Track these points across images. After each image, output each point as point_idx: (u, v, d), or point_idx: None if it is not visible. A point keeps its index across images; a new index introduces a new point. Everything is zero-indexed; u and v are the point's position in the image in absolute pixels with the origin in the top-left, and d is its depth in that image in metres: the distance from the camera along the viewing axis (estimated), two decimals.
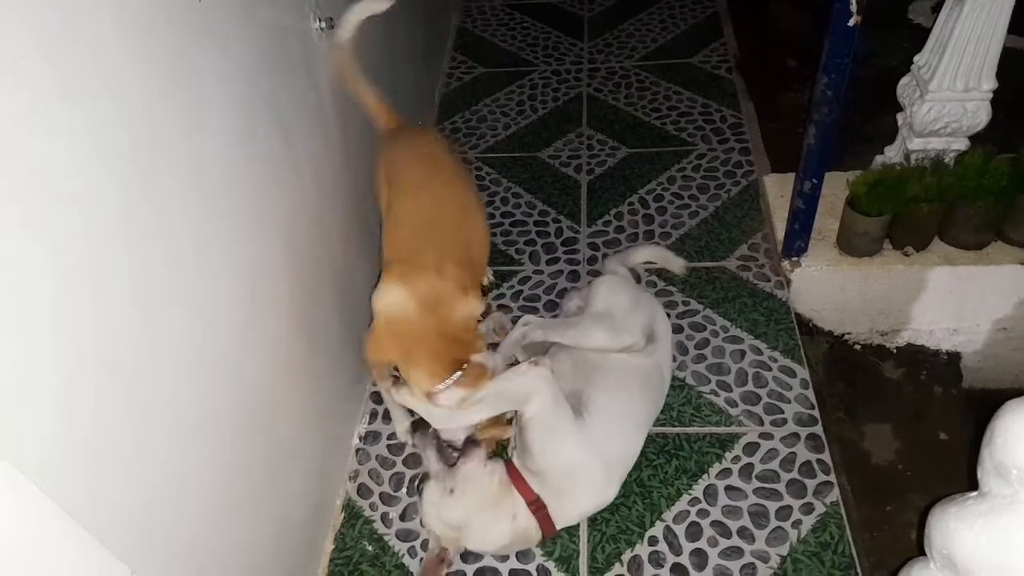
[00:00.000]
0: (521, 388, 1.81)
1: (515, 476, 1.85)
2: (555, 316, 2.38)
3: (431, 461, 1.89)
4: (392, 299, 1.81)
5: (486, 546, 1.87)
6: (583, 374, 1.96)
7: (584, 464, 1.83)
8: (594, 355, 2.00)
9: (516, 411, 1.87)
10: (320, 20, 1.91)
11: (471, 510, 1.82)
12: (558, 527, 1.86)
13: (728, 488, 1.99)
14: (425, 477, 1.90)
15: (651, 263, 2.56)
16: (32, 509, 0.94)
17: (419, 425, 1.96)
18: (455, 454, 1.88)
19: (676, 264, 2.50)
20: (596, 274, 2.56)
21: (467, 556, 1.91)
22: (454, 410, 1.83)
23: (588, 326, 2.02)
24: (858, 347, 2.52)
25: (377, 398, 2.28)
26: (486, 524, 1.82)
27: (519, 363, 1.91)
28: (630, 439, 1.94)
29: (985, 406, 1.35)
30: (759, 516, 1.93)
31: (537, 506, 1.82)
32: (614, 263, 2.41)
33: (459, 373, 1.81)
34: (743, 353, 2.30)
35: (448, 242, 1.89)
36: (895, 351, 2.52)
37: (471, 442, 1.89)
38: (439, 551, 1.86)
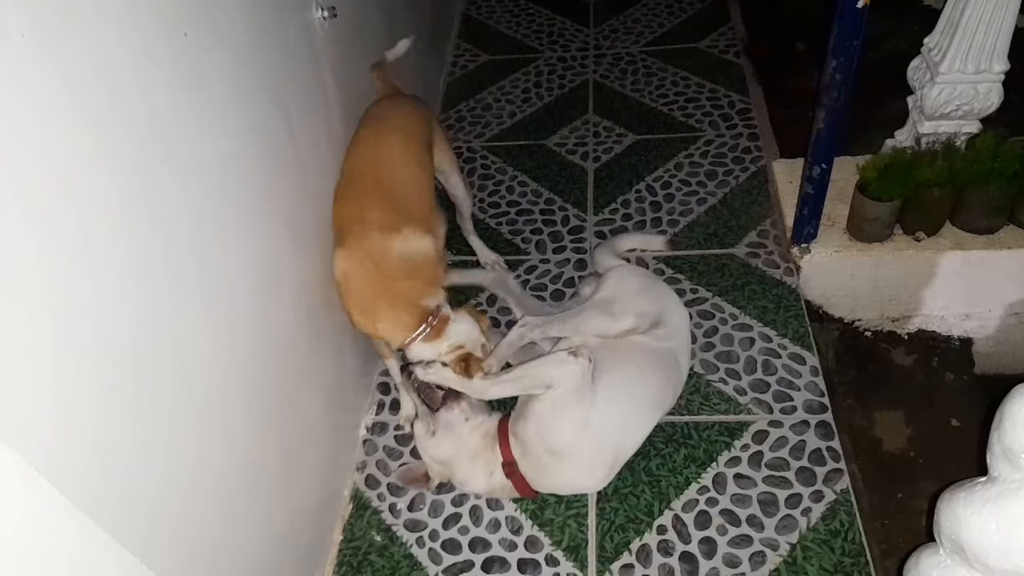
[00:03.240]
0: (555, 377, 1.81)
1: (503, 433, 1.91)
2: (572, 297, 2.42)
3: (415, 402, 1.99)
4: (336, 269, 1.85)
5: (467, 489, 1.98)
6: (596, 349, 1.94)
7: (574, 452, 1.84)
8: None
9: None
10: (322, 9, 1.90)
11: (449, 456, 1.93)
12: (539, 491, 1.92)
13: (737, 476, 1.98)
14: (418, 413, 2.02)
15: (637, 249, 2.55)
16: (43, 502, 0.94)
17: (406, 367, 1.99)
18: (441, 395, 1.93)
19: (657, 242, 2.51)
20: None
21: (475, 545, 1.91)
22: (428, 360, 1.87)
23: (586, 314, 2.02)
24: (869, 333, 2.50)
25: (385, 389, 2.28)
26: (465, 471, 1.93)
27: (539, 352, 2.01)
28: (632, 420, 1.93)
29: (997, 392, 1.34)
30: (768, 504, 1.92)
31: (511, 469, 1.88)
32: (605, 255, 2.38)
33: (425, 327, 1.83)
34: (752, 341, 2.28)
35: (372, 190, 1.89)
36: (906, 337, 2.50)
37: (452, 393, 1.92)
38: (425, 472, 1.98)
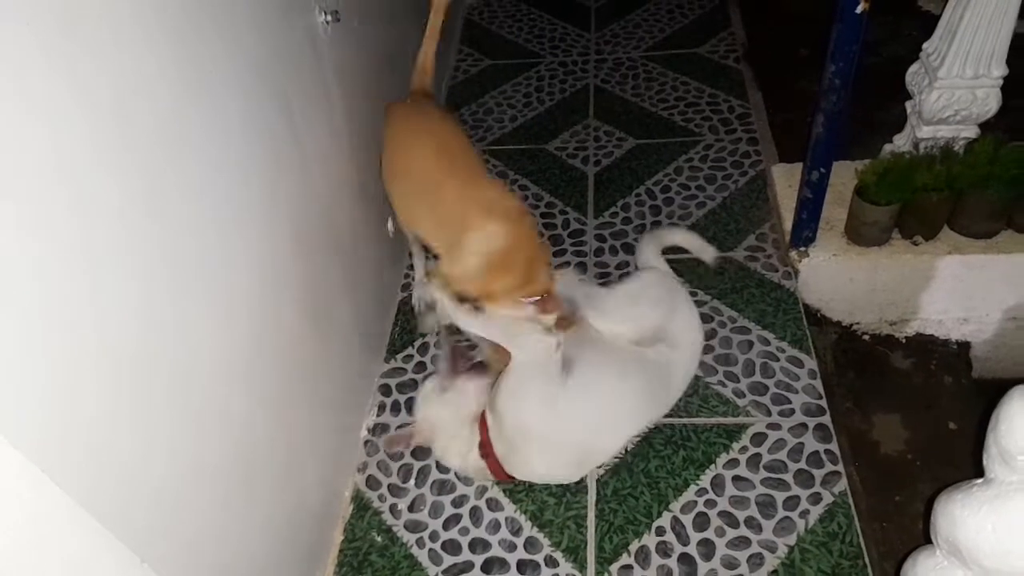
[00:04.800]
0: (523, 341, 1.91)
1: (483, 416, 1.95)
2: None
3: (442, 360, 2.06)
4: (485, 243, 1.92)
5: (444, 459, 2.03)
6: (583, 343, 2.00)
7: (538, 434, 1.88)
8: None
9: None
10: (326, 14, 1.91)
11: (443, 419, 1.98)
12: (515, 476, 1.96)
13: (735, 478, 1.99)
14: (435, 374, 2.10)
15: (684, 250, 2.53)
16: (44, 500, 0.95)
17: (450, 328, 2.16)
18: (467, 364, 2.05)
19: (707, 253, 2.48)
20: (603, 265, 2.58)
21: (475, 546, 1.92)
22: (497, 316, 1.95)
23: (607, 305, 2.08)
24: (867, 337, 2.51)
25: (386, 390, 2.30)
26: (447, 440, 1.99)
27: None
28: (605, 422, 1.95)
29: (995, 395, 1.35)
30: (767, 506, 1.93)
31: (486, 450, 1.92)
32: (649, 243, 2.40)
33: (537, 298, 1.93)
34: (751, 343, 2.30)
35: (481, 171, 2.03)
36: (904, 341, 2.51)
37: (480, 364, 2.05)
38: (409, 435, 2.03)
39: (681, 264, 2.52)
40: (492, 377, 2.02)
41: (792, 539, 1.86)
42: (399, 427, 2.18)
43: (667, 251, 2.48)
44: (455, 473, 2.07)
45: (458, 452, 1.98)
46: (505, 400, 1.88)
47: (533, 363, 1.89)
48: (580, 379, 1.91)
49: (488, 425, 1.93)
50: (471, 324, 1.96)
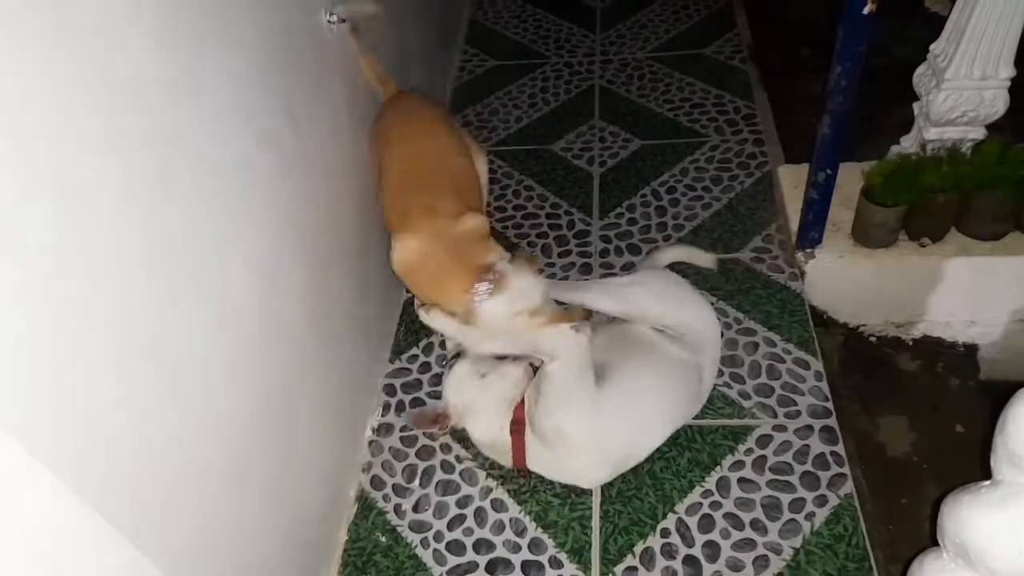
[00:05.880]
0: (552, 345, 1.89)
1: (520, 402, 1.96)
2: None
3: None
4: (401, 253, 1.96)
5: (473, 432, 2.03)
6: (616, 349, 2.00)
7: (578, 438, 1.87)
8: (633, 335, 2.04)
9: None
10: (330, 14, 1.91)
11: (483, 400, 1.97)
12: (531, 468, 1.97)
13: (741, 480, 1.98)
14: (458, 356, 2.07)
15: (681, 262, 2.51)
16: (46, 495, 0.95)
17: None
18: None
19: (705, 259, 2.47)
20: (608, 267, 2.57)
21: (480, 546, 1.92)
22: (501, 322, 1.91)
23: (592, 288, 2.08)
24: (873, 339, 2.50)
25: (390, 390, 2.29)
26: (484, 416, 1.98)
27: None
28: (641, 427, 1.95)
29: (1002, 398, 1.34)
30: (772, 508, 1.92)
31: (517, 427, 1.92)
32: (649, 262, 2.41)
33: (488, 284, 1.89)
34: (756, 345, 2.29)
35: (433, 181, 2.02)
36: (911, 343, 2.49)
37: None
38: (442, 412, 2.03)
39: (685, 265, 2.51)
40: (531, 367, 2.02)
41: (798, 541, 1.86)
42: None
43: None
44: (459, 474, 2.07)
45: (492, 429, 1.97)
46: (544, 411, 1.87)
47: (567, 368, 1.87)
48: (616, 387, 1.90)
49: (526, 421, 1.93)
50: (490, 346, 1.95)
